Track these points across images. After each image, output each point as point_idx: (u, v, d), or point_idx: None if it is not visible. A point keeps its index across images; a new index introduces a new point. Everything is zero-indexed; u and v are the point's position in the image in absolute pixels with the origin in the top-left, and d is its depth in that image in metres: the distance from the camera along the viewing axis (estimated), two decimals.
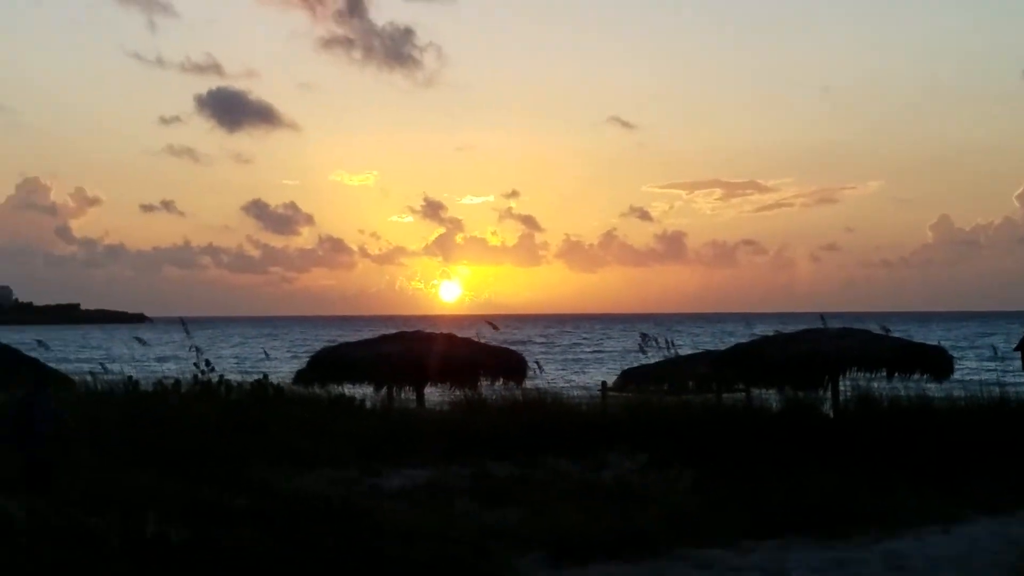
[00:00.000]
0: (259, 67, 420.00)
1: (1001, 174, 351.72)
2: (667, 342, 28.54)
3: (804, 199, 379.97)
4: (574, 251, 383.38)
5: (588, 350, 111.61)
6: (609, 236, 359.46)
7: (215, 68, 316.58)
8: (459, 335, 30.90)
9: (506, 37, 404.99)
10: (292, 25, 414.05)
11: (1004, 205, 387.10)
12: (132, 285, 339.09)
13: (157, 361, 60.55)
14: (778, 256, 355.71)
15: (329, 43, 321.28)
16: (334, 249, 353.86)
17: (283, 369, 38.65)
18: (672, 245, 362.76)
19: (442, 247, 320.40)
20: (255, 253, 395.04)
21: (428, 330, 32.39)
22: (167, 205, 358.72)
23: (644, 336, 28.73)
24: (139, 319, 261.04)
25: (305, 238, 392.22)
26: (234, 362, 74.95)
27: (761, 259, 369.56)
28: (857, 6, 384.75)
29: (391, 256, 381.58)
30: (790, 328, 30.52)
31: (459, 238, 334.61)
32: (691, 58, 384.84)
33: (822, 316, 27.40)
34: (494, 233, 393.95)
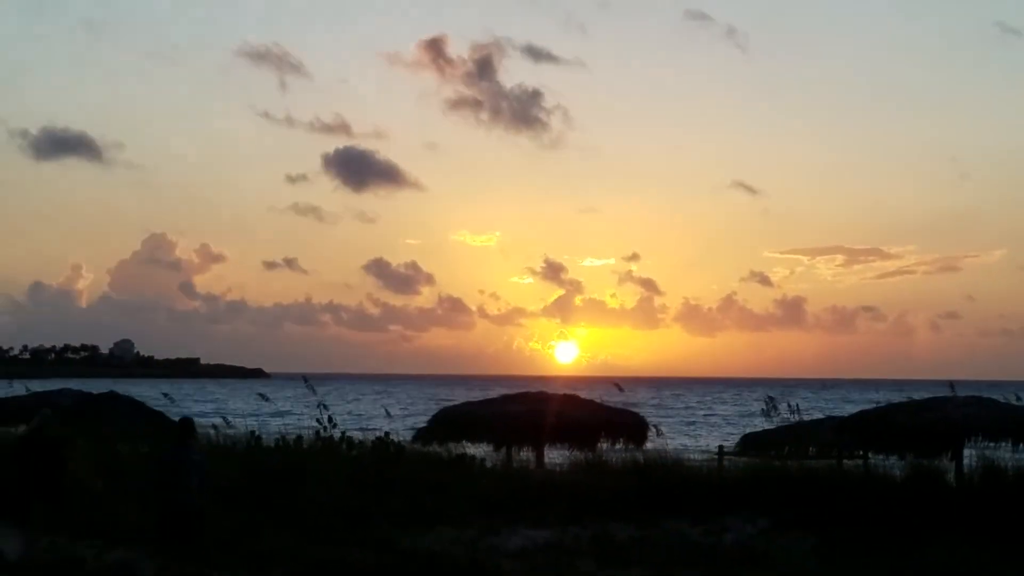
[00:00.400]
0: (387, 127, 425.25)
1: None
2: (790, 406, 28.30)
3: (926, 266, 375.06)
4: (693, 315, 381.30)
5: (702, 413, 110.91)
6: (728, 300, 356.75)
7: (343, 128, 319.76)
8: (579, 396, 30.96)
9: (632, 101, 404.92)
10: (421, 86, 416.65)
11: None
12: (252, 341, 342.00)
13: (275, 416, 61.18)
14: (898, 323, 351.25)
15: (457, 104, 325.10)
16: (454, 309, 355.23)
17: (395, 426, 38.78)
18: (792, 310, 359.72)
19: (561, 309, 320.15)
20: (375, 311, 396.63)
21: (546, 390, 32.51)
22: (290, 262, 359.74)
23: (770, 399, 28.48)
24: (258, 374, 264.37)
25: (425, 297, 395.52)
26: (350, 418, 75.65)
27: (881, 325, 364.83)
28: (982, 74, 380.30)
29: (510, 317, 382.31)
30: (907, 395, 30.22)
31: (578, 300, 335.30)
32: (816, 124, 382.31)
33: (951, 384, 26.98)
34: (613, 296, 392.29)
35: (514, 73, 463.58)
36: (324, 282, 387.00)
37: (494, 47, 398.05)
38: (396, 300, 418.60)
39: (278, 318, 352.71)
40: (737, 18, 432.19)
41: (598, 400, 30.80)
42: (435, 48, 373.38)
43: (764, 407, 28.54)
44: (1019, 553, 19.06)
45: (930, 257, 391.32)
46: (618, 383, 31.91)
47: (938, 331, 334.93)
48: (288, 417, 62.63)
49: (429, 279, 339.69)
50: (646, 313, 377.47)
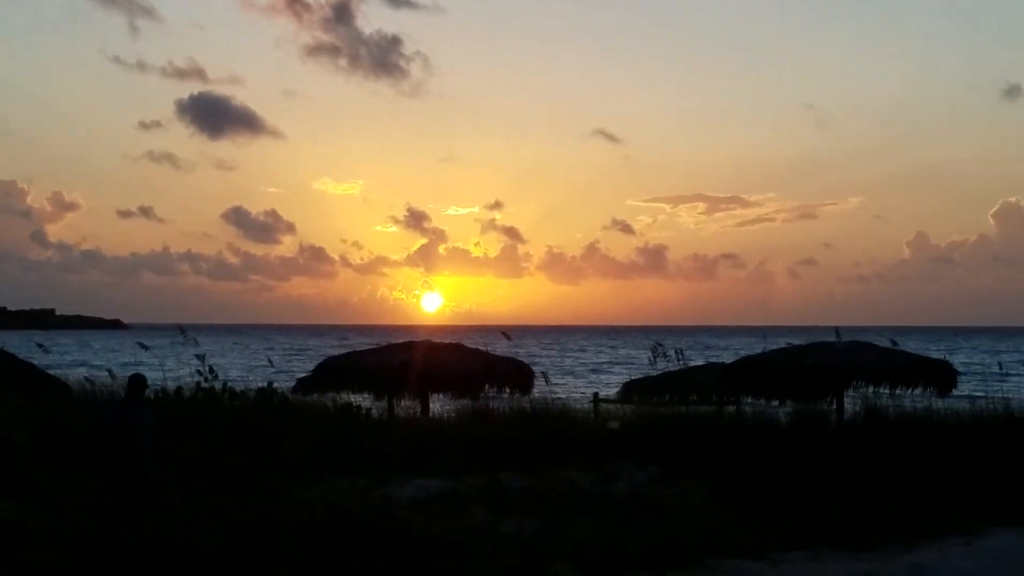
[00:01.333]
0: (243, 73, 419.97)
1: (977, 192, 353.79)
2: (677, 353, 28.41)
3: (785, 214, 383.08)
4: (556, 263, 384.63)
5: (569, 361, 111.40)
6: (592, 249, 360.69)
7: (198, 73, 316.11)
8: (465, 344, 30.77)
9: (493, 49, 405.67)
10: (277, 31, 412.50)
11: (979, 223, 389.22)
12: (109, 291, 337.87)
13: (128, 367, 60.01)
14: (758, 270, 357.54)
15: (315, 50, 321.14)
16: (315, 258, 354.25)
17: (255, 376, 38.00)
18: (654, 258, 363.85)
19: (425, 257, 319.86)
20: (235, 261, 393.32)
21: (418, 339, 32.27)
22: (146, 211, 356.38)
23: (657, 346, 28.54)
24: (116, 325, 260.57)
25: (287, 246, 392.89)
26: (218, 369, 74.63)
27: (742, 273, 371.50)
28: (839, 24, 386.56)
29: (373, 266, 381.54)
30: (772, 342, 30.61)
31: (442, 249, 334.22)
32: (677, 73, 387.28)
33: (836, 329, 27.25)
34: (477, 244, 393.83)
35: (372, 19, 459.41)
36: (182, 231, 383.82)
37: None
38: (256, 249, 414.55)
39: (135, 268, 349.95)
40: None
41: (484, 349, 30.65)
42: None
43: (651, 354, 28.60)
44: (904, 492, 19.44)
45: (789, 205, 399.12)
46: (506, 332, 31.77)
47: (797, 278, 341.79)
48: (151, 368, 61.58)
49: (290, 228, 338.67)
50: (510, 262, 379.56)
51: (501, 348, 31.13)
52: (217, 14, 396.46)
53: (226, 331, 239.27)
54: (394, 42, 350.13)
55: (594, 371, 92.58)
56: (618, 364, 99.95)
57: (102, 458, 16.66)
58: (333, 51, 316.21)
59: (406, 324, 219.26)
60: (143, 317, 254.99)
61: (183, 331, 29.60)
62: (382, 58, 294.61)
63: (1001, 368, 30.30)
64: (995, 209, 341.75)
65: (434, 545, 15.80)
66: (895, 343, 27.20)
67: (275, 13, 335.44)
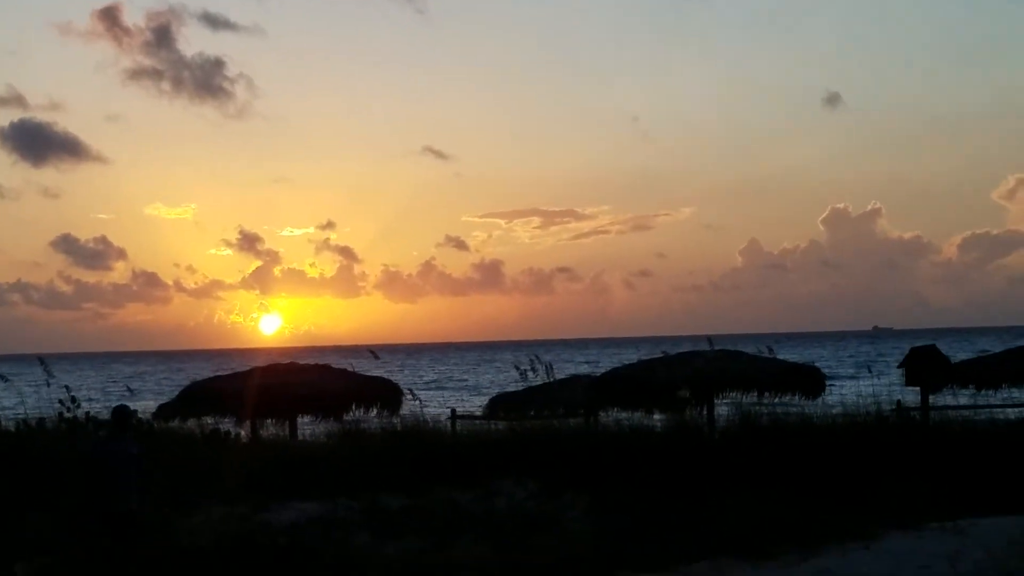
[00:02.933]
0: (64, 99, 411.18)
1: (806, 199, 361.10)
2: (547, 367, 28.24)
3: (620, 226, 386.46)
4: (393, 282, 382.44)
5: (426, 379, 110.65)
6: (428, 266, 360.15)
7: (17, 100, 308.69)
8: (331, 365, 30.36)
9: (317, 69, 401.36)
10: (97, 56, 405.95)
11: (810, 229, 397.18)
12: None
13: None
14: (594, 282, 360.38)
15: (137, 74, 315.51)
16: (149, 283, 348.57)
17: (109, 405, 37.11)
18: (490, 274, 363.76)
19: (260, 280, 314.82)
20: (67, 289, 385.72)
21: (265, 362, 31.84)
22: None
23: (534, 359, 28.31)
24: None
25: (119, 273, 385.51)
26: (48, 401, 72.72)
27: (578, 286, 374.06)
28: (661, 36, 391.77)
29: (208, 290, 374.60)
30: (628, 355, 30.71)
31: (277, 270, 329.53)
32: (503, 88, 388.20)
33: (709, 338, 27.37)
34: (312, 265, 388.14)
35: (194, 42, 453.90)
36: (10, 260, 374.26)
37: (171, 15, 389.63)
38: (88, 277, 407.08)
39: None
40: None
41: (350, 368, 30.25)
42: (110, 17, 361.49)
43: (518, 368, 28.42)
44: (787, 497, 19.33)
45: (623, 217, 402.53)
46: (374, 351, 31.37)
47: (632, 289, 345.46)
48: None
49: (121, 254, 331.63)
50: (346, 281, 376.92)
51: (361, 366, 30.84)
52: (34, 40, 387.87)
53: (62, 359, 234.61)
54: (217, 64, 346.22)
55: (438, 388, 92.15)
56: (463, 380, 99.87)
57: (90, 499, 15.57)
58: (155, 75, 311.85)
59: (245, 347, 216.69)
60: None
61: (43, 362, 28.55)
62: (205, 81, 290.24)
63: (871, 371, 30.67)
64: (824, 215, 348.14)
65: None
66: (770, 349, 27.38)
67: (94, 38, 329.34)
